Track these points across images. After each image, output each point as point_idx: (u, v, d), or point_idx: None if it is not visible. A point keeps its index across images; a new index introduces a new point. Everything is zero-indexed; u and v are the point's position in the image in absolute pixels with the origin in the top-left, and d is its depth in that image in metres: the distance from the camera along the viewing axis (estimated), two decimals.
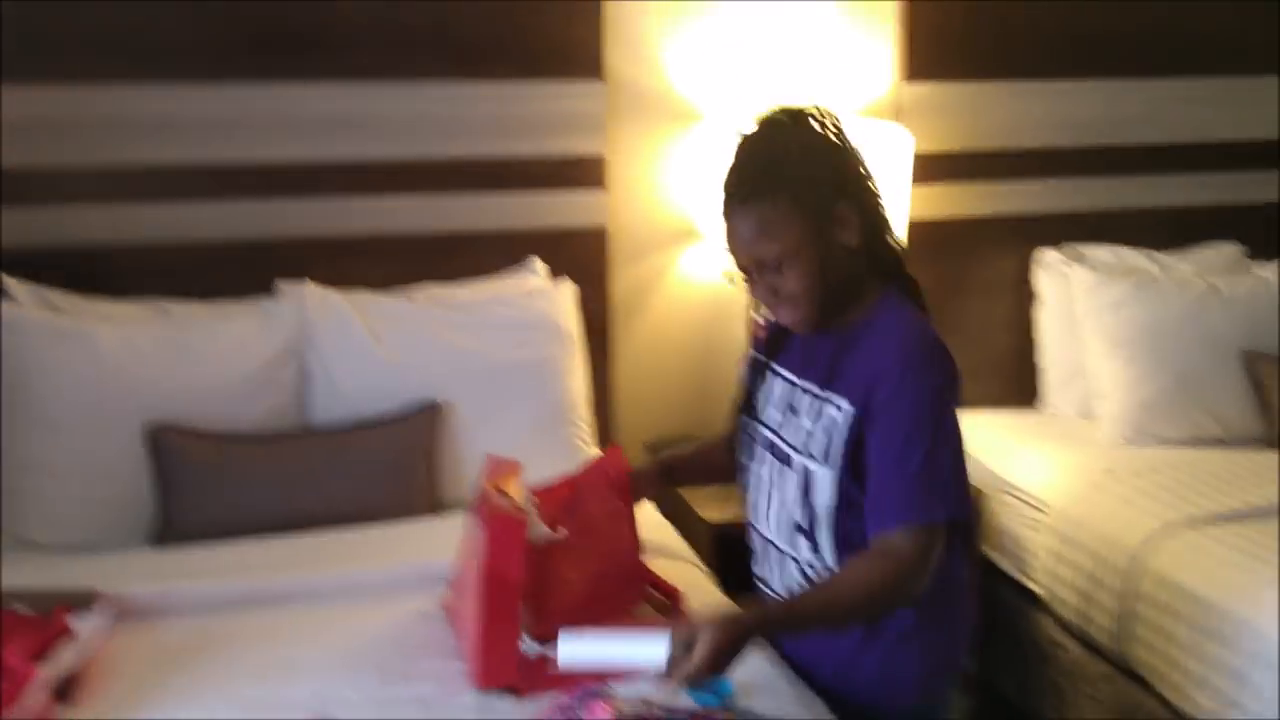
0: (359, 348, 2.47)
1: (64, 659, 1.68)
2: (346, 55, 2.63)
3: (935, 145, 2.94)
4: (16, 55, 2.44)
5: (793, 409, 1.73)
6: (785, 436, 1.72)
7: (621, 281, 2.92)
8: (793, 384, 1.75)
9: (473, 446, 2.35)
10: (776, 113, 1.67)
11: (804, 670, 1.74)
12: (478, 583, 1.71)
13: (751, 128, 1.67)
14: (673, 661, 1.47)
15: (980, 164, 3.04)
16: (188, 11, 2.53)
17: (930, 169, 2.90)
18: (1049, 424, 3.00)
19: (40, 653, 1.68)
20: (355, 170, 2.67)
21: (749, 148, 1.66)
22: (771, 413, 1.77)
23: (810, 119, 1.65)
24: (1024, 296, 3.09)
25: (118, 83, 2.51)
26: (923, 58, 2.95)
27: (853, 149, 1.67)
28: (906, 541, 1.57)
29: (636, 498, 1.92)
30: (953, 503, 1.61)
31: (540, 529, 1.79)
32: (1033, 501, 2.73)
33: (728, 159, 1.66)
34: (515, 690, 1.68)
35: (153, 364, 2.35)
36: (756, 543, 1.81)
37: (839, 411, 1.65)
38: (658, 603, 1.93)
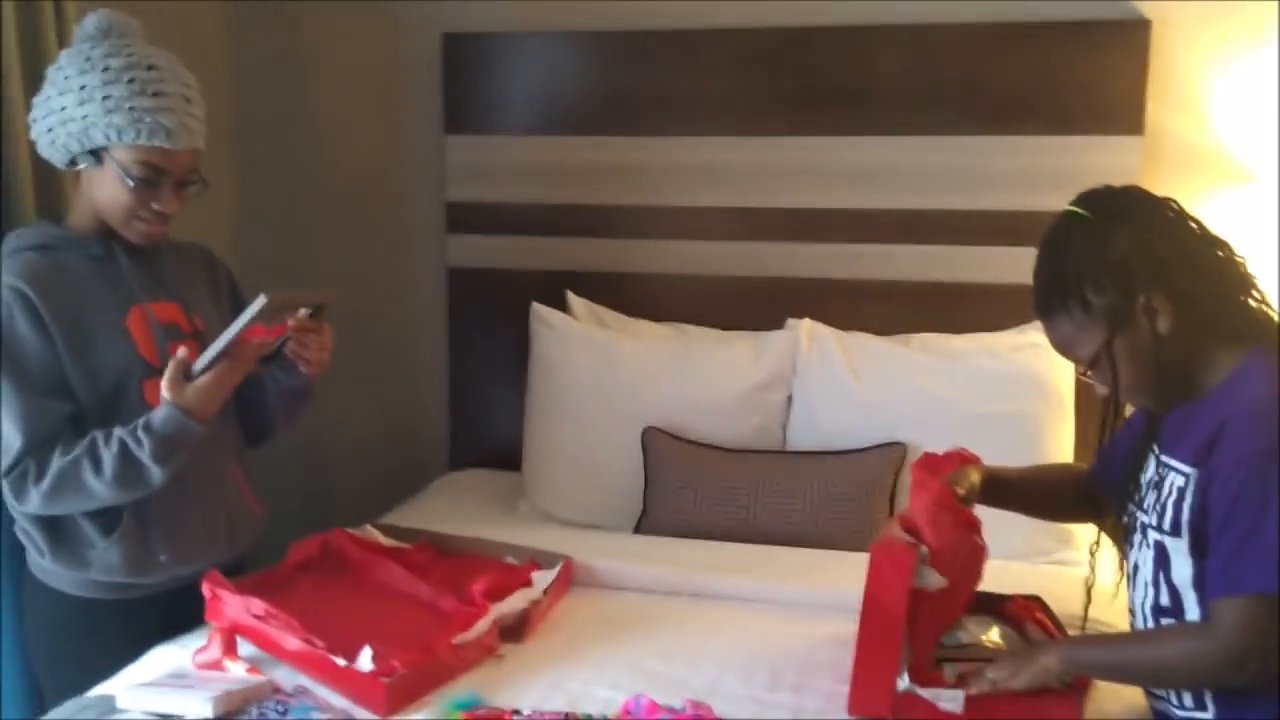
0: (838, 383, 2.60)
1: (514, 602, 2.01)
2: (877, 110, 2.76)
3: None
4: (604, 115, 2.91)
5: (1152, 483, 1.65)
6: (1146, 514, 1.65)
7: None
8: (1156, 458, 1.67)
9: None
10: (1071, 207, 1.61)
11: None
12: (861, 609, 1.75)
13: (1047, 226, 1.64)
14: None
15: None
16: (734, 76, 2.83)
17: None
18: None
19: (500, 595, 2.03)
20: (872, 217, 2.79)
21: (1041, 255, 1.64)
22: (1141, 492, 1.69)
23: (1105, 204, 1.59)
24: None
25: (674, 135, 2.87)
26: None
27: (1168, 220, 1.59)
28: (1228, 614, 1.46)
29: (965, 500, 1.84)
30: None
31: (932, 577, 1.78)
32: None
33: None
34: None
35: (659, 376, 2.67)
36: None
37: (1176, 474, 1.56)
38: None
